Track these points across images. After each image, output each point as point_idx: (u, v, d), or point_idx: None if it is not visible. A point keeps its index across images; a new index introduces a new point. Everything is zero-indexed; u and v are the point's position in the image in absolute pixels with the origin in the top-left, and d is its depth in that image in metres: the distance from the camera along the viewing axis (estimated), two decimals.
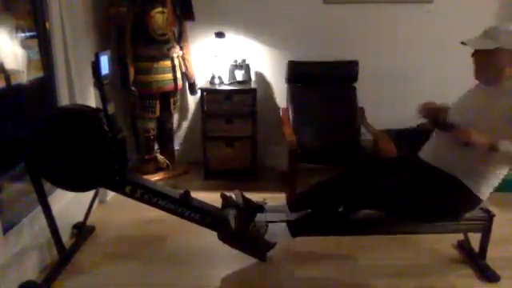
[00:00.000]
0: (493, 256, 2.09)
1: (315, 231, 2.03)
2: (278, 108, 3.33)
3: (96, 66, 1.83)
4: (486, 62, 1.79)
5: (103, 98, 1.89)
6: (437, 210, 1.89)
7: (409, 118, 3.21)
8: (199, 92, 3.12)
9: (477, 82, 1.94)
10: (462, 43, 1.80)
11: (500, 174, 1.84)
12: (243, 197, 2.09)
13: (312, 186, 2.11)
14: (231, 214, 1.94)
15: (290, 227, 1.94)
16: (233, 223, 1.92)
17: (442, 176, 1.85)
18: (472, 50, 1.83)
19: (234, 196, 2.10)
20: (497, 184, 1.87)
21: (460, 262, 2.17)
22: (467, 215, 2.05)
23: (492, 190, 1.88)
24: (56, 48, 2.38)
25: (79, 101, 2.50)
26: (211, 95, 3.09)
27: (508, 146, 1.68)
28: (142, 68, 2.93)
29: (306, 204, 2.06)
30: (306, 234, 2.02)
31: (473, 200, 1.85)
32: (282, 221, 1.99)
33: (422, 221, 2.00)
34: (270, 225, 1.94)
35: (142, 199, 1.97)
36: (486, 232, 2.05)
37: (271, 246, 2.04)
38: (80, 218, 2.29)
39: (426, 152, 2.02)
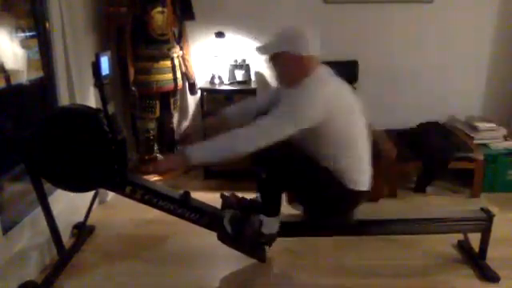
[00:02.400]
0: (493, 256, 2.09)
1: (274, 200, 1.96)
2: None
3: (96, 66, 1.82)
4: (277, 66, 1.85)
5: (103, 98, 1.89)
6: (318, 201, 1.91)
7: (409, 117, 3.24)
8: (199, 92, 3.12)
9: None
10: (256, 50, 1.85)
11: (349, 156, 1.81)
12: (237, 198, 2.09)
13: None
14: (226, 218, 1.94)
15: (265, 213, 1.92)
16: (227, 226, 1.92)
17: (312, 166, 1.84)
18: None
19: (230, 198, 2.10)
20: (362, 168, 1.84)
21: (460, 261, 2.16)
22: (468, 215, 2.06)
23: (365, 177, 1.85)
24: (56, 48, 2.39)
25: (79, 101, 2.50)
26: (211, 95, 3.09)
27: (195, 149, 1.70)
28: (142, 68, 2.93)
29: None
30: (277, 206, 1.95)
31: (347, 192, 1.83)
32: (281, 221, 1.98)
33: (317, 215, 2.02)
34: (262, 218, 1.92)
35: (142, 200, 1.97)
36: (485, 232, 2.05)
37: (273, 237, 1.98)
38: (80, 218, 2.29)
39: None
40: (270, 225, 1.92)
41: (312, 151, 1.80)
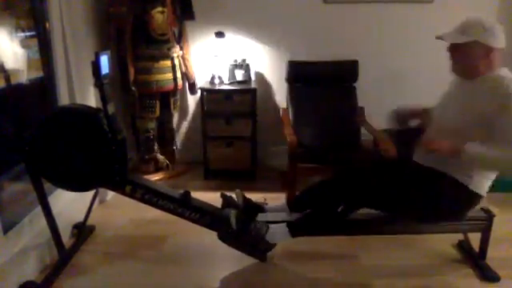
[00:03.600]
0: (493, 256, 2.09)
1: (315, 231, 2.03)
2: (278, 108, 3.33)
3: (96, 66, 1.82)
4: (461, 55, 1.78)
5: (103, 98, 1.89)
6: (435, 209, 1.88)
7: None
8: (199, 92, 3.12)
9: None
10: (438, 37, 1.79)
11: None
12: (244, 197, 2.09)
13: (311, 186, 2.11)
14: (232, 214, 1.94)
15: (290, 227, 1.95)
16: (234, 223, 1.92)
17: (434, 175, 1.84)
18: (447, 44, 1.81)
19: (234, 196, 2.10)
20: (493, 176, 1.85)
21: (460, 261, 2.17)
22: (468, 215, 2.05)
23: (489, 183, 1.86)
24: (56, 48, 2.38)
25: (79, 101, 2.50)
26: (211, 95, 3.09)
27: (472, 151, 1.68)
28: (142, 68, 2.93)
29: (305, 204, 2.07)
30: (306, 234, 2.02)
31: (470, 195, 1.83)
32: (281, 221, 1.99)
33: (424, 222, 2.00)
34: (270, 225, 1.94)
35: (142, 199, 1.97)
36: (486, 232, 2.05)
37: (271, 246, 2.04)
38: (80, 218, 2.29)
39: (417, 153, 2.01)
40: (277, 237, 1.94)
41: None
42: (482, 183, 1.83)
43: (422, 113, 2.07)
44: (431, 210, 1.88)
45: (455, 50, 1.79)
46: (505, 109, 1.65)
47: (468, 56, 1.75)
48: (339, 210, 1.94)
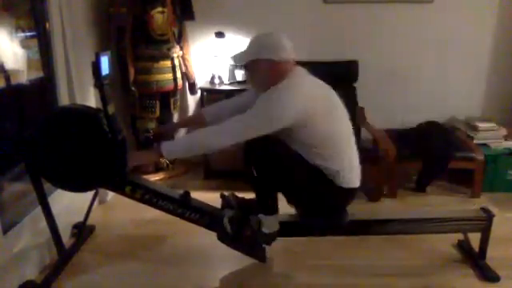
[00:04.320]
0: (493, 256, 2.09)
1: (269, 196, 1.94)
2: None
3: (96, 67, 1.82)
4: (251, 73, 1.90)
5: (103, 99, 1.89)
6: (312, 199, 1.92)
7: (409, 118, 3.24)
8: (199, 92, 3.12)
9: None
10: (231, 59, 1.93)
11: (335, 156, 1.82)
12: (236, 198, 2.09)
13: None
14: (226, 218, 1.94)
15: (264, 211, 1.91)
16: (227, 226, 1.92)
17: (312, 169, 1.84)
18: None
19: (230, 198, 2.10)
20: (351, 165, 1.85)
21: (460, 261, 2.16)
22: (468, 215, 2.06)
23: (353, 174, 1.86)
24: (56, 48, 2.39)
25: (79, 101, 2.50)
26: (211, 95, 3.08)
27: (170, 144, 1.79)
28: (141, 68, 2.93)
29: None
30: (274, 203, 1.94)
31: (339, 190, 1.84)
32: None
33: (309, 214, 2.02)
34: (261, 218, 1.91)
35: (142, 199, 1.97)
36: (485, 232, 2.05)
37: (273, 235, 1.97)
38: (80, 218, 2.29)
39: None
40: (269, 223, 1.92)
41: (302, 151, 1.82)
42: (344, 176, 1.83)
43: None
44: (314, 204, 1.93)
45: (246, 69, 1.94)
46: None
47: (256, 73, 1.85)
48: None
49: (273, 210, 1.93)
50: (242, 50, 1.88)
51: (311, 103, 1.76)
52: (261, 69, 1.81)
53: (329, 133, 1.81)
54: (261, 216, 1.92)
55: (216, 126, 1.76)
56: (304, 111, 1.73)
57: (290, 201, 1.99)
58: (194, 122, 2.26)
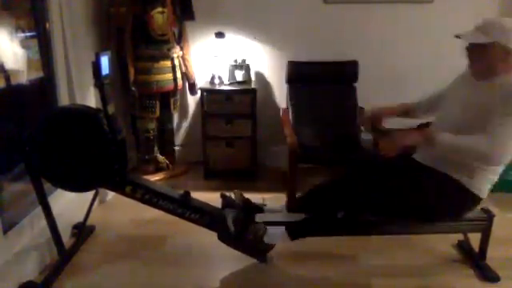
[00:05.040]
0: (493, 256, 2.09)
1: (314, 234, 2.03)
2: (278, 108, 3.33)
3: (96, 66, 1.83)
4: (479, 56, 1.75)
5: (103, 99, 1.89)
6: (434, 210, 1.88)
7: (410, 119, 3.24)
8: (199, 92, 3.12)
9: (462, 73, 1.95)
10: (457, 36, 1.78)
11: (497, 169, 1.81)
12: (242, 197, 2.09)
13: (312, 189, 2.10)
14: (229, 217, 1.94)
15: (289, 230, 1.94)
16: (231, 226, 1.92)
17: (434, 175, 1.84)
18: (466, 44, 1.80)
19: (233, 196, 2.10)
20: (494, 179, 1.84)
21: (460, 261, 2.17)
22: (468, 215, 2.05)
23: (490, 186, 1.85)
24: (56, 48, 2.38)
25: (79, 101, 2.50)
26: (211, 95, 3.08)
27: (445, 137, 1.69)
28: (142, 68, 2.93)
29: (305, 207, 2.06)
30: (304, 237, 2.01)
31: (470, 197, 1.83)
32: (280, 222, 1.99)
33: (423, 222, 2.00)
34: (268, 227, 1.93)
35: (142, 199, 1.97)
36: (485, 232, 2.05)
37: (270, 246, 2.04)
38: (80, 218, 2.29)
39: (418, 152, 2.00)
40: (276, 237, 1.94)
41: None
42: (482, 185, 1.83)
43: (396, 110, 2.14)
44: (430, 210, 1.88)
45: (473, 50, 1.77)
46: (504, 111, 1.64)
47: (485, 57, 1.73)
48: (340, 215, 1.93)
49: (296, 236, 1.96)
50: (473, 30, 1.75)
51: None
52: (493, 54, 1.69)
53: None
54: (283, 232, 1.93)
55: (489, 136, 1.63)
56: None
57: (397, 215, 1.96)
58: (408, 114, 2.15)
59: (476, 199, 1.84)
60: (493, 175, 1.84)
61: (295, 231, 1.95)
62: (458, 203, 1.87)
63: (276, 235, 1.95)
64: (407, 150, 1.96)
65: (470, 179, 1.80)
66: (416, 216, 1.95)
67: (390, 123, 2.12)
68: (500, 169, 1.84)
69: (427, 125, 2.03)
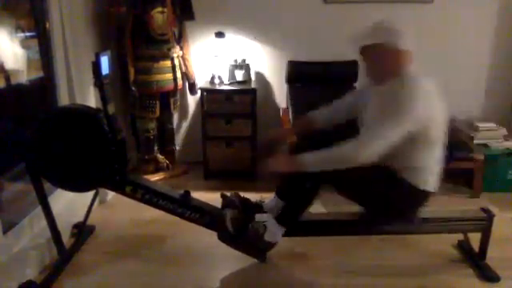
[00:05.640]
0: (493, 256, 2.09)
1: (298, 213, 1.96)
2: (278, 108, 3.33)
3: (96, 66, 1.83)
4: (371, 58, 1.77)
5: (103, 98, 1.89)
6: (385, 206, 1.89)
7: None
8: (199, 92, 3.12)
9: None
10: (349, 39, 1.81)
11: (427, 157, 1.79)
12: (240, 198, 2.09)
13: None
14: (228, 217, 1.94)
15: (279, 220, 1.92)
16: (229, 225, 1.92)
17: (387, 172, 1.82)
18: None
19: (232, 198, 2.10)
20: (436, 170, 1.83)
21: (460, 261, 2.16)
22: (468, 215, 2.06)
23: (436, 177, 1.84)
24: (56, 48, 2.39)
25: (79, 101, 2.50)
26: (211, 95, 3.09)
27: (309, 157, 1.73)
28: (142, 68, 2.93)
29: (285, 191, 2.03)
30: (294, 221, 1.96)
31: (419, 193, 1.82)
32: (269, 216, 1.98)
33: (378, 217, 2.00)
34: (267, 224, 1.93)
35: (142, 199, 1.97)
36: (485, 232, 2.05)
37: (271, 245, 2.02)
38: (80, 218, 2.29)
39: None
40: (275, 233, 1.93)
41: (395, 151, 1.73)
42: (424, 178, 1.80)
43: (293, 129, 2.29)
44: (382, 205, 1.89)
45: (364, 52, 1.78)
46: (383, 109, 1.67)
47: (377, 58, 1.74)
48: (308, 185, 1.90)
49: (288, 223, 1.93)
50: (361, 32, 1.76)
51: (436, 102, 1.73)
52: (383, 55, 1.71)
53: (437, 136, 1.78)
54: (270, 223, 1.92)
55: (355, 140, 1.68)
56: (431, 110, 1.70)
57: (357, 201, 1.94)
58: (307, 128, 2.17)
59: (426, 194, 1.84)
60: (430, 164, 1.82)
61: (283, 219, 1.93)
62: (407, 200, 1.87)
63: (276, 232, 1.94)
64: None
65: (415, 174, 1.79)
66: (371, 210, 1.96)
67: None
68: (433, 160, 1.83)
69: None
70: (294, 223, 1.94)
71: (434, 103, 1.72)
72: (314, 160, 1.73)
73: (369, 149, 1.65)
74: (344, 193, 1.93)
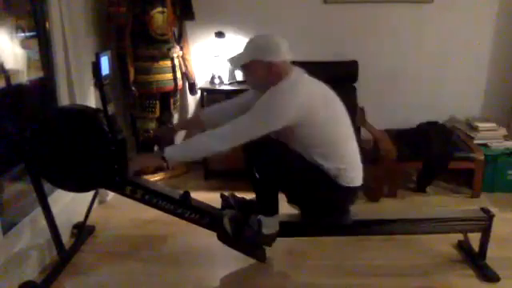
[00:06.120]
0: (493, 256, 2.09)
1: (271, 198, 1.94)
2: None
3: (96, 67, 1.82)
4: (248, 73, 1.89)
5: (103, 99, 1.88)
6: (314, 200, 1.93)
7: (409, 117, 3.24)
8: (199, 92, 3.12)
9: None
10: (228, 61, 1.93)
11: (334, 156, 1.81)
12: (235, 198, 2.09)
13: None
14: (226, 218, 1.94)
15: (264, 212, 1.93)
16: (227, 226, 1.93)
17: (313, 168, 1.84)
18: None
19: (230, 199, 2.10)
20: (355, 165, 1.86)
21: (460, 261, 2.16)
22: (468, 215, 2.06)
23: (357, 173, 1.86)
24: (56, 48, 2.39)
25: (79, 101, 2.50)
26: (211, 95, 3.08)
27: (175, 149, 1.84)
28: (142, 68, 2.93)
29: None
30: (275, 204, 1.94)
31: (343, 190, 1.85)
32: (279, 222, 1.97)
33: (311, 213, 2.02)
34: (261, 219, 1.92)
35: (142, 200, 1.97)
36: (485, 232, 2.05)
37: (272, 237, 1.98)
38: (80, 218, 2.29)
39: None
40: (269, 224, 1.92)
41: (302, 151, 1.83)
42: (343, 173, 1.82)
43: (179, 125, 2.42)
44: (311, 198, 1.93)
45: (244, 70, 1.92)
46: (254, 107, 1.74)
47: (253, 74, 1.86)
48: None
49: (273, 210, 1.93)
50: (238, 53, 1.89)
51: (310, 102, 1.77)
52: (257, 70, 1.82)
53: (328, 131, 1.82)
54: (261, 217, 1.92)
55: (217, 130, 1.77)
56: (303, 110, 1.74)
57: (291, 200, 2.00)
58: (193, 125, 2.27)
59: (344, 188, 1.85)
60: (350, 160, 1.86)
61: (266, 208, 1.93)
62: (334, 196, 1.90)
63: (267, 223, 1.93)
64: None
65: (328, 165, 1.81)
66: (302, 203, 2.00)
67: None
68: (356, 152, 1.88)
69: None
70: (275, 205, 1.94)
71: (312, 102, 1.77)
72: (174, 151, 1.81)
73: (225, 142, 1.76)
74: (284, 190, 1.95)
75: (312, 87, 1.85)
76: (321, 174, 1.83)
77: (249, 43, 1.86)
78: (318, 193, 1.90)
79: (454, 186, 3.02)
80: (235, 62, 1.90)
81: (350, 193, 1.91)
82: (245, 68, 1.88)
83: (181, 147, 1.94)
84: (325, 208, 1.97)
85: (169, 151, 1.78)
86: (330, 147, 1.83)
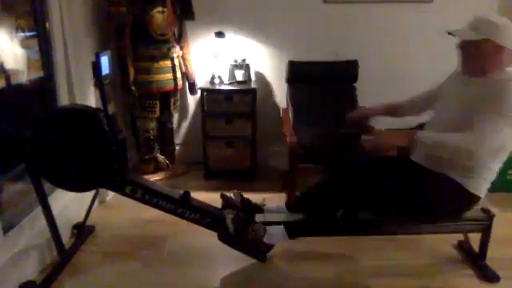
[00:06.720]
0: (493, 256, 2.09)
1: (313, 234, 2.03)
2: (278, 108, 3.33)
3: (96, 67, 1.82)
4: (472, 52, 1.76)
5: (103, 98, 1.89)
6: (433, 211, 1.88)
7: (409, 117, 3.23)
8: (199, 92, 3.12)
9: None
10: (449, 33, 1.79)
11: (492, 167, 1.81)
12: (242, 197, 2.09)
13: (311, 188, 2.11)
14: (228, 218, 1.94)
15: (288, 229, 1.94)
16: (230, 226, 1.93)
17: (431, 176, 1.83)
18: (458, 41, 1.81)
19: (233, 196, 2.10)
20: (491, 177, 1.83)
21: (460, 261, 2.17)
22: (468, 215, 2.05)
23: (487, 185, 1.84)
24: (56, 48, 2.38)
25: (79, 101, 2.50)
26: (211, 95, 3.09)
27: (427, 136, 1.72)
28: (141, 68, 2.93)
29: (305, 206, 2.06)
30: (303, 236, 2.02)
31: (468, 197, 1.82)
32: (280, 223, 1.99)
33: (422, 222, 2.00)
34: (268, 227, 1.94)
35: (142, 199, 1.97)
36: (485, 232, 2.05)
37: (269, 247, 2.04)
38: (80, 218, 2.29)
39: (414, 153, 1.98)
40: (275, 238, 1.94)
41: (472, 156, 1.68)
42: (480, 184, 1.82)
43: (382, 110, 2.22)
44: (429, 211, 1.88)
45: (465, 47, 1.78)
46: (488, 107, 1.64)
47: (477, 54, 1.73)
48: (338, 214, 1.94)
49: (296, 236, 1.97)
50: (467, 26, 1.76)
51: None
52: (485, 51, 1.70)
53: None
54: (282, 231, 1.94)
55: (470, 132, 1.63)
56: None
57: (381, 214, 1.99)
58: (394, 111, 2.19)
59: (474, 199, 1.83)
60: (489, 174, 1.83)
61: (294, 230, 1.96)
62: (456, 203, 1.87)
63: (275, 235, 1.96)
64: (401, 151, 1.98)
65: (467, 179, 1.79)
66: (414, 216, 1.95)
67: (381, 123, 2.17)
68: (496, 167, 1.83)
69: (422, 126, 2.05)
70: (299, 236, 1.99)
71: None
72: (430, 140, 1.71)
73: (484, 146, 1.61)
74: (384, 213, 1.95)
75: None
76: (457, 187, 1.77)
77: (483, 20, 1.72)
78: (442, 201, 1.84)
79: None
80: (464, 34, 1.75)
81: (474, 201, 1.86)
82: (470, 45, 1.74)
83: (434, 137, 1.73)
84: (446, 214, 1.93)
85: (422, 134, 1.71)
86: (499, 154, 1.76)
